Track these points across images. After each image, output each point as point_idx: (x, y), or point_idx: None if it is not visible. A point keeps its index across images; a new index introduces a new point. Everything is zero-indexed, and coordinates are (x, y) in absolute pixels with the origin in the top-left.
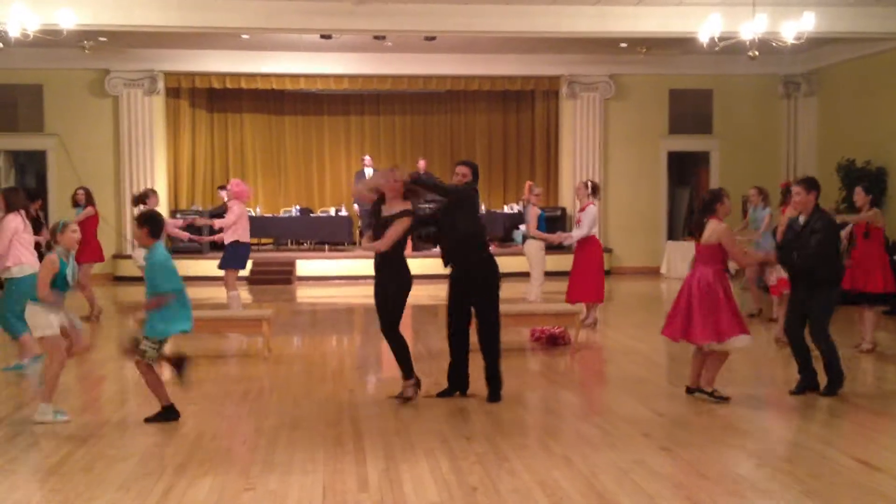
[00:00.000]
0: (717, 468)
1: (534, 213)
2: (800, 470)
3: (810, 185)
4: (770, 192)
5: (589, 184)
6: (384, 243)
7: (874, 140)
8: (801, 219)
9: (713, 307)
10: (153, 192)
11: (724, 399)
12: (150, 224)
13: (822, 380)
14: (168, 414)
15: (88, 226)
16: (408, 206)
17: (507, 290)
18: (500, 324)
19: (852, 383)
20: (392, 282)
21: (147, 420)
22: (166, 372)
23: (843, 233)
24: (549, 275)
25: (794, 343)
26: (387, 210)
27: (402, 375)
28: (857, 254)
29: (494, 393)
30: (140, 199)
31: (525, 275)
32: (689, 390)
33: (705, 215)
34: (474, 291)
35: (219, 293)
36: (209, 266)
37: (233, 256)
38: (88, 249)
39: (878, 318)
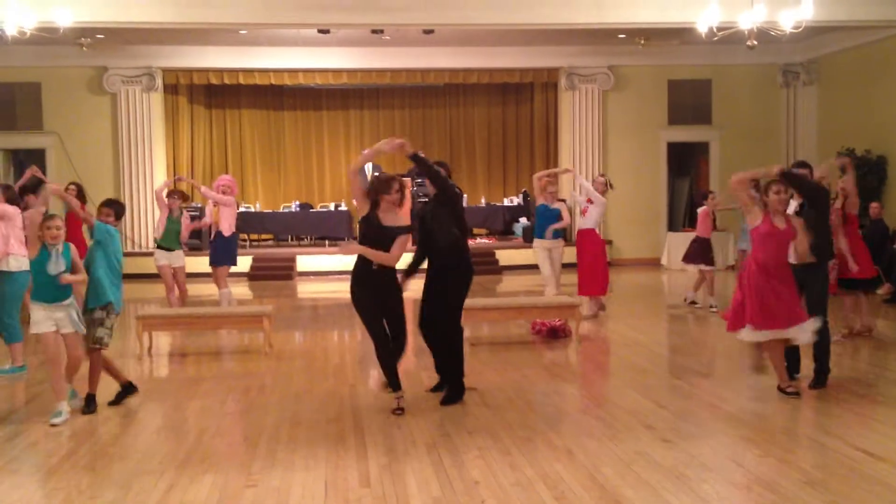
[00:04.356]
0: (720, 459)
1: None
2: (802, 460)
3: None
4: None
5: (607, 181)
6: (393, 258)
7: (874, 129)
8: (794, 201)
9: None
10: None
11: (795, 394)
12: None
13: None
14: (129, 388)
15: (73, 222)
16: (408, 221)
17: (507, 283)
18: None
19: (852, 371)
20: (396, 291)
21: (111, 403)
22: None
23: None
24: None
25: None
26: (387, 220)
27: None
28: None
29: (452, 396)
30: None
31: (529, 267)
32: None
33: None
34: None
35: (216, 290)
36: (204, 262)
37: (224, 252)
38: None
39: (865, 304)
